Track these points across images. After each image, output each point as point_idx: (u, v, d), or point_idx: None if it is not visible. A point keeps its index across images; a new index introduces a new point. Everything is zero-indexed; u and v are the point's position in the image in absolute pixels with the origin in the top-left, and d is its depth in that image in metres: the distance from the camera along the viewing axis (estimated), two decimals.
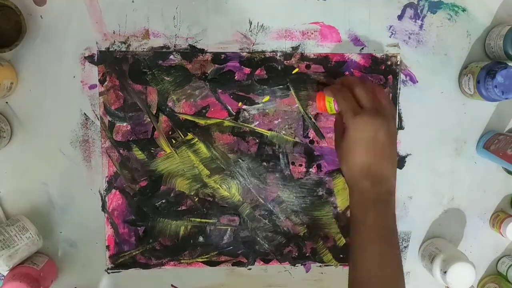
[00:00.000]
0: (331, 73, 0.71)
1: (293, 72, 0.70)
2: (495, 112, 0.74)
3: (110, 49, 0.68)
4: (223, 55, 0.69)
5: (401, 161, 0.74)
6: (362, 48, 0.71)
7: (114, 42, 0.68)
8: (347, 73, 0.71)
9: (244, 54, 0.70)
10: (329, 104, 0.66)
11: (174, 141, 0.70)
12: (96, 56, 0.68)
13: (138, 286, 0.73)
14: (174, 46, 0.69)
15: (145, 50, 0.68)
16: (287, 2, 0.69)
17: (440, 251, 0.71)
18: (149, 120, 0.70)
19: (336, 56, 0.71)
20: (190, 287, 0.74)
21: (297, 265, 0.75)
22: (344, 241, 0.74)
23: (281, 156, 0.72)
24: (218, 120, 0.71)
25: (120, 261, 0.72)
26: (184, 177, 0.71)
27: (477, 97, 0.70)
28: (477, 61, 0.72)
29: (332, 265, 0.75)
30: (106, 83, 0.69)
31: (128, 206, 0.71)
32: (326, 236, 0.74)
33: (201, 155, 0.71)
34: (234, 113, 0.71)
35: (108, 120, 0.69)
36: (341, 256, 0.75)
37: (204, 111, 0.70)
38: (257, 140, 0.71)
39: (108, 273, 0.72)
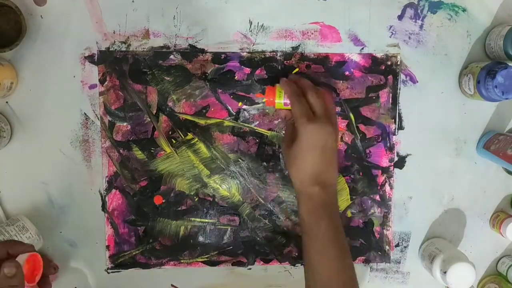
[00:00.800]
0: (331, 73, 0.71)
1: (293, 72, 0.70)
2: (495, 112, 0.74)
3: (110, 49, 0.68)
4: (223, 55, 0.70)
5: (401, 161, 0.74)
6: (362, 48, 0.71)
7: (114, 42, 0.68)
8: (347, 73, 0.71)
9: (244, 54, 0.70)
10: (279, 98, 0.65)
11: (174, 141, 0.70)
12: (96, 56, 0.68)
13: (138, 286, 0.73)
14: (174, 46, 0.69)
15: (145, 50, 0.68)
16: (287, 2, 0.69)
17: (440, 251, 0.71)
18: (149, 120, 0.70)
19: (336, 56, 0.71)
20: (190, 287, 0.74)
21: (297, 265, 0.75)
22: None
23: (281, 156, 0.72)
24: (218, 120, 0.71)
25: (120, 261, 0.72)
26: (184, 177, 0.71)
27: (477, 97, 0.70)
28: (477, 61, 0.72)
29: None
30: (106, 83, 0.69)
31: (128, 206, 0.71)
32: None
33: (201, 155, 0.71)
34: (234, 113, 0.71)
35: (108, 120, 0.69)
36: None
37: (204, 111, 0.70)
38: (257, 140, 0.71)
39: (108, 273, 0.72)
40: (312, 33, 0.70)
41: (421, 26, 0.71)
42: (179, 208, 0.71)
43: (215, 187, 0.72)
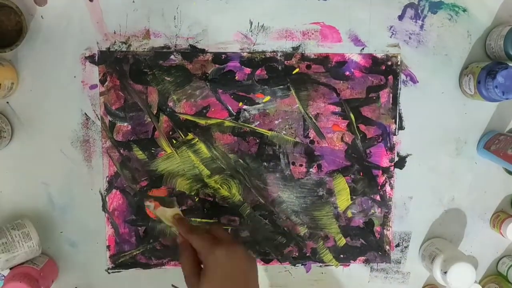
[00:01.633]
0: (331, 73, 0.71)
1: (293, 72, 0.70)
2: (495, 113, 0.74)
3: (110, 49, 0.68)
4: (223, 55, 0.70)
5: (401, 161, 0.74)
6: (363, 48, 0.71)
7: (115, 42, 0.68)
8: (347, 73, 0.71)
9: (245, 54, 0.70)
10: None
11: (174, 141, 0.70)
12: (96, 56, 0.68)
13: (138, 286, 0.73)
14: (175, 46, 0.69)
15: (145, 50, 0.69)
16: (287, 2, 0.69)
17: (441, 251, 0.71)
18: (150, 120, 0.70)
19: (336, 56, 0.71)
20: None
21: (297, 265, 0.75)
22: (345, 241, 0.74)
23: (281, 156, 0.72)
24: (219, 120, 0.71)
25: (120, 261, 0.72)
26: (184, 177, 0.71)
27: (477, 98, 0.70)
28: (478, 61, 0.72)
29: (333, 265, 0.75)
30: (106, 83, 0.69)
31: (128, 206, 0.71)
32: (327, 236, 0.74)
33: (202, 155, 0.71)
34: (235, 113, 0.71)
35: (109, 120, 0.69)
36: (342, 256, 0.75)
37: (204, 111, 0.70)
38: (258, 140, 0.71)
39: (109, 273, 0.72)
40: (313, 33, 0.70)
41: (421, 26, 0.71)
42: (180, 208, 0.71)
43: (216, 187, 0.72)
